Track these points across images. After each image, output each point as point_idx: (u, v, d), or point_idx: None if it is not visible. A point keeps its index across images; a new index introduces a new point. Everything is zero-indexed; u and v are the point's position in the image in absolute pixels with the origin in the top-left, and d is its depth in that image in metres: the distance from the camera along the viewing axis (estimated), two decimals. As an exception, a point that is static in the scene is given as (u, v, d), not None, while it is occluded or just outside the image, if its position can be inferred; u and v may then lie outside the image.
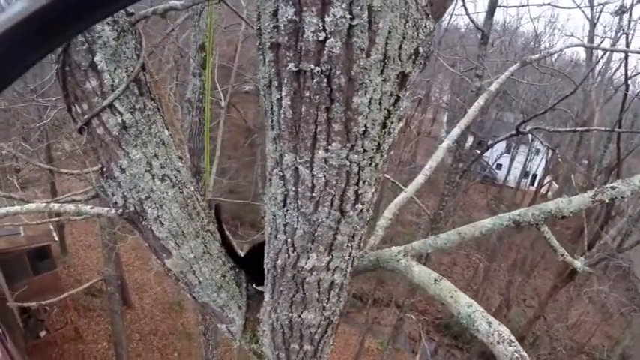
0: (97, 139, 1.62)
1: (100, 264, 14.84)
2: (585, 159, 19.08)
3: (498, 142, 7.70)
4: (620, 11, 12.66)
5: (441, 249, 1.65)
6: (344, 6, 0.77)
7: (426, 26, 0.93)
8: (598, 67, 17.74)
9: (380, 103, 0.92)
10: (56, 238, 15.76)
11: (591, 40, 16.12)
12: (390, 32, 0.84)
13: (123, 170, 1.66)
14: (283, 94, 0.91)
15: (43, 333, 13.99)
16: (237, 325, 2.07)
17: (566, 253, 1.94)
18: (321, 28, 0.80)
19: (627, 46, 12.57)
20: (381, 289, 18.97)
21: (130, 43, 1.55)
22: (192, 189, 1.79)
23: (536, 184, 28.71)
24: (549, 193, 27.15)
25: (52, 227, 15.18)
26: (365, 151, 0.98)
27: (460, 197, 18.94)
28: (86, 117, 1.56)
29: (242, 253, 2.05)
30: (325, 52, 0.82)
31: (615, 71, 19.03)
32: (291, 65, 0.86)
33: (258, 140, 19.25)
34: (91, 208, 2.67)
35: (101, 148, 1.64)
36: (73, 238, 18.46)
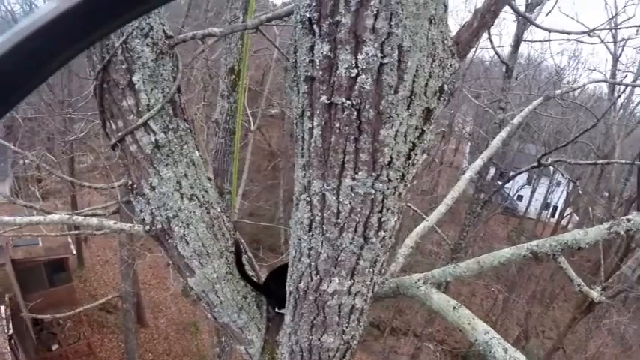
0: (129, 156, 1.68)
1: (117, 280, 14.87)
2: (606, 191, 18.83)
3: (520, 173, 7.65)
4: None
5: (460, 277, 1.66)
6: (376, 45, 0.83)
7: (451, 65, 0.98)
8: (620, 101, 17.65)
9: (405, 136, 0.97)
10: (74, 252, 15.86)
11: (613, 74, 16.11)
12: (417, 70, 0.89)
13: (153, 188, 1.71)
14: (315, 124, 0.96)
15: (55, 346, 13.98)
16: (255, 347, 2.09)
17: (582, 284, 1.94)
18: (354, 65, 0.85)
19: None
20: (398, 318, 18.68)
21: (168, 65, 1.62)
22: (218, 210, 1.85)
23: (556, 216, 28.24)
24: (569, 225, 26.64)
25: (70, 240, 15.34)
26: (390, 180, 1.02)
27: (481, 228, 18.73)
28: (120, 134, 1.62)
29: (262, 278, 2.08)
30: (357, 87, 0.88)
31: (637, 105, 18.90)
32: (323, 98, 0.91)
33: (282, 164, 19.35)
34: (114, 224, 2.69)
35: (133, 165, 1.71)
36: (91, 253, 18.60)
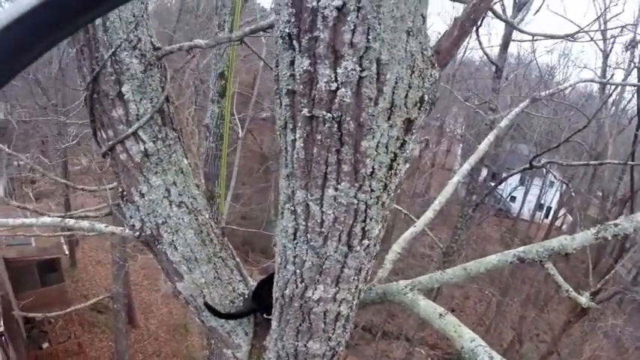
0: (119, 164, 1.72)
1: (109, 281, 14.87)
2: (599, 191, 18.89)
3: (512, 175, 7.70)
4: (631, 45, 12.77)
5: (447, 284, 1.68)
6: (354, 59, 0.84)
7: (431, 75, 1.00)
8: (612, 98, 17.73)
9: (387, 147, 0.98)
10: (66, 252, 15.89)
11: (604, 72, 16.16)
12: (396, 82, 0.90)
13: (142, 195, 1.74)
14: (297, 136, 0.98)
15: (45, 345, 13.93)
16: (243, 352, 2.10)
17: (570, 289, 1.95)
18: (334, 79, 0.87)
19: (639, 79, 12.57)
20: (390, 322, 18.64)
21: (156, 76, 1.67)
22: (207, 216, 1.86)
23: (550, 216, 28.35)
24: (564, 226, 26.73)
25: (62, 241, 15.34)
26: (372, 190, 1.03)
27: (474, 230, 18.72)
28: (111, 143, 1.67)
29: (251, 282, 2.09)
30: (337, 100, 0.89)
31: (629, 102, 18.91)
32: (305, 111, 0.93)
33: (273, 167, 19.38)
34: (106, 227, 2.72)
35: (123, 173, 1.74)
36: (83, 253, 18.53)
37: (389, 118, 0.94)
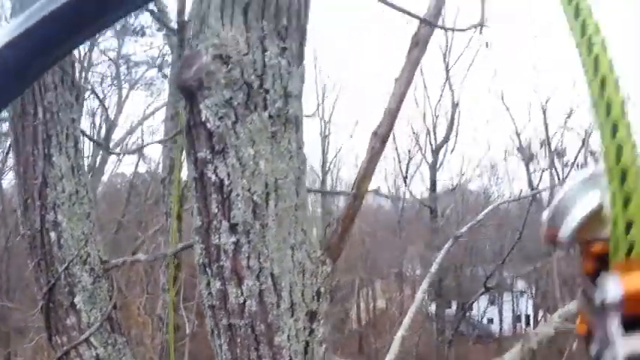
0: None
1: None
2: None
3: (470, 305, 7.92)
4: (529, 159, 14.17)
5: None
6: (253, 278, 1.10)
7: (323, 271, 1.26)
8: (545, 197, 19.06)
9: (297, 337, 1.20)
10: None
11: (530, 178, 17.72)
12: (291, 287, 1.16)
13: (94, 400, 1.85)
14: (222, 340, 1.19)
15: None
16: None
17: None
18: (240, 294, 1.11)
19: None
20: None
21: (104, 287, 1.91)
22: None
23: (531, 324, 27.88)
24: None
25: None
26: (293, 375, 1.22)
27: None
28: (65, 348, 1.85)
29: None
30: (246, 310, 1.13)
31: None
32: (224, 320, 1.15)
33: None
34: None
35: (77, 377, 1.87)
36: None
37: (292, 315, 1.17)
